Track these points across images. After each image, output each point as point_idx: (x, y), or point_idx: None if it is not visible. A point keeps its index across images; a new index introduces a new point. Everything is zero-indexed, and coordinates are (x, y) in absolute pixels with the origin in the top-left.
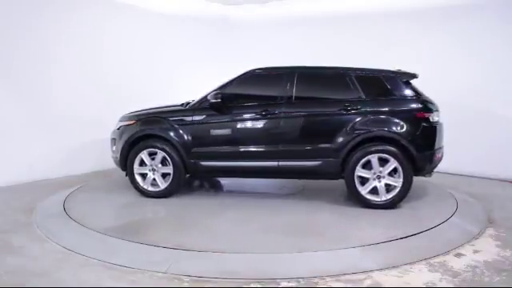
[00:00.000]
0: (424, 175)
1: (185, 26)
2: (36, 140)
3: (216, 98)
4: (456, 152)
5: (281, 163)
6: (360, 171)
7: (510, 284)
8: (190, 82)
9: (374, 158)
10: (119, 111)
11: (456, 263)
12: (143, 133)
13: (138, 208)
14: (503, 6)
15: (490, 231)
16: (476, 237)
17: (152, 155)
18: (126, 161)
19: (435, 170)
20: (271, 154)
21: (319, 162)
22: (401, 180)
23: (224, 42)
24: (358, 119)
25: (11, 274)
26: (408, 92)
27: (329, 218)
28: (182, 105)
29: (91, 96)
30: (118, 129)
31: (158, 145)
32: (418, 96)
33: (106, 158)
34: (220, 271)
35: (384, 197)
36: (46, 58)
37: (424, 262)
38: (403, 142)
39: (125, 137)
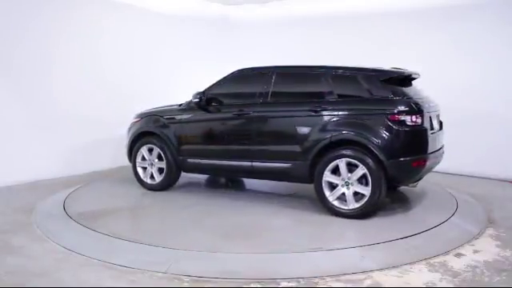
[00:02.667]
0: (407, 185)
1: (185, 26)
2: (36, 140)
3: (195, 98)
4: (456, 152)
5: (254, 163)
6: (328, 176)
7: (510, 284)
8: (191, 81)
9: (341, 163)
10: (120, 111)
11: (456, 263)
12: (142, 130)
13: (129, 201)
14: (503, 7)
15: (490, 231)
16: (476, 237)
17: (152, 151)
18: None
19: (420, 178)
20: (245, 153)
21: (289, 165)
22: (369, 188)
23: (224, 42)
24: (327, 121)
25: (11, 274)
26: (386, 92)
27: (285, 223)
28: (181, 105)
29: (92, 96)
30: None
31: (155, 141)
32: (400, 96)
33: (106, 158)
34: (220, 271)
35: (352, 205)
36: (46, 57)
37: (424, 262)
38: (371, 146)
39: (130, 133)
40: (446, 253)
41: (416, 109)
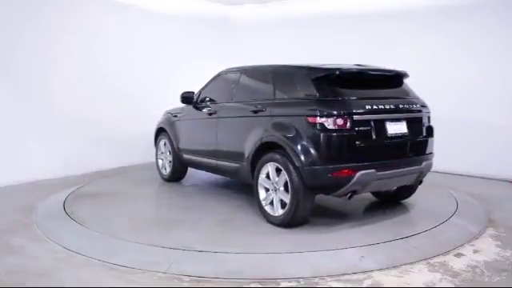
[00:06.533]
0: (339, 196)
1: (185, 26)
2: (36, 140)
3: (180, 98)
4: (456, 152)
5: (218, 162)
6: (262, 180)
7: (510, 284)
8: (191, 81)
9: (271, 167)
10: (120, 111)
11: (456, 263)
12: (159, 126)
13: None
14: (503, 7)
15: (490, 231)
16: (476, 237)
17: (166, 145)
18: None
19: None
20: (211, 152)
21: (238, 165)
22: (289, 196)
23: (224, 42)
24: (262, 122)
25: (11, 274)
26: (314, 91)
27: (212, 223)
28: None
29: (92, 96)
30: None
31: (166, 137)
32: (333, 97)
33: (105, 158)
34: (220, 271)
35: (277, 212)
36: (46, 57)
37: (424, 262)
38: (289, 150)
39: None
40: (446, 253)
41: (338, 111)
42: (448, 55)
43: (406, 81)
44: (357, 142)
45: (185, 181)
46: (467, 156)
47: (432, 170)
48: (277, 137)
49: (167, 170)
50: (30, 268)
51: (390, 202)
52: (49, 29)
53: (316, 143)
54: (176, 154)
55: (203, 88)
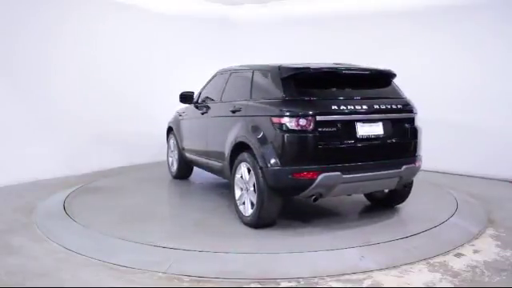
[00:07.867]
0: (305, 198)
1: (185, 26)
2: (36, 140)
3: (179, 97)
4: (456, 152)
5: (208, 161)
6: (238, 179)
7: (510, 284)
8: (190, 81)
9: (243, 167)
10: (119, 111)
11: (456, 263)
12: (168, 125)
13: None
14: (504, 7)
15: (490, 231)
16: (476, 237)
17: (174, 143)
18: None
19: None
20: (204, 151)
21: (221, 164)
22: (255, 196)
23: (224, 42)
24: (237, 123)
25: (11, 274)
26: (282, 91)
27: (191, 222)
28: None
29: (91, 96)
30: None
31: (173, 135)
32: (298, 96)
33: (105, 158)
34: (220, 271)
35: (247, 212)
36: (46, 57)
37: (424, 262)
38: (255, 151)
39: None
40: (446, 253)
41: (301, 112)
42: (448, 55)
43: (396, 80)
44: (320, 144)
45: (193, 179)
46: (467, 156)
47: (432, 170)
48: (246, 137)
49: (174, 168)
50: (30, 268)
51: (385, 205)
52: (49, 28)
53: (278, 144)
54: (180, 152)
55: (203, 87)
